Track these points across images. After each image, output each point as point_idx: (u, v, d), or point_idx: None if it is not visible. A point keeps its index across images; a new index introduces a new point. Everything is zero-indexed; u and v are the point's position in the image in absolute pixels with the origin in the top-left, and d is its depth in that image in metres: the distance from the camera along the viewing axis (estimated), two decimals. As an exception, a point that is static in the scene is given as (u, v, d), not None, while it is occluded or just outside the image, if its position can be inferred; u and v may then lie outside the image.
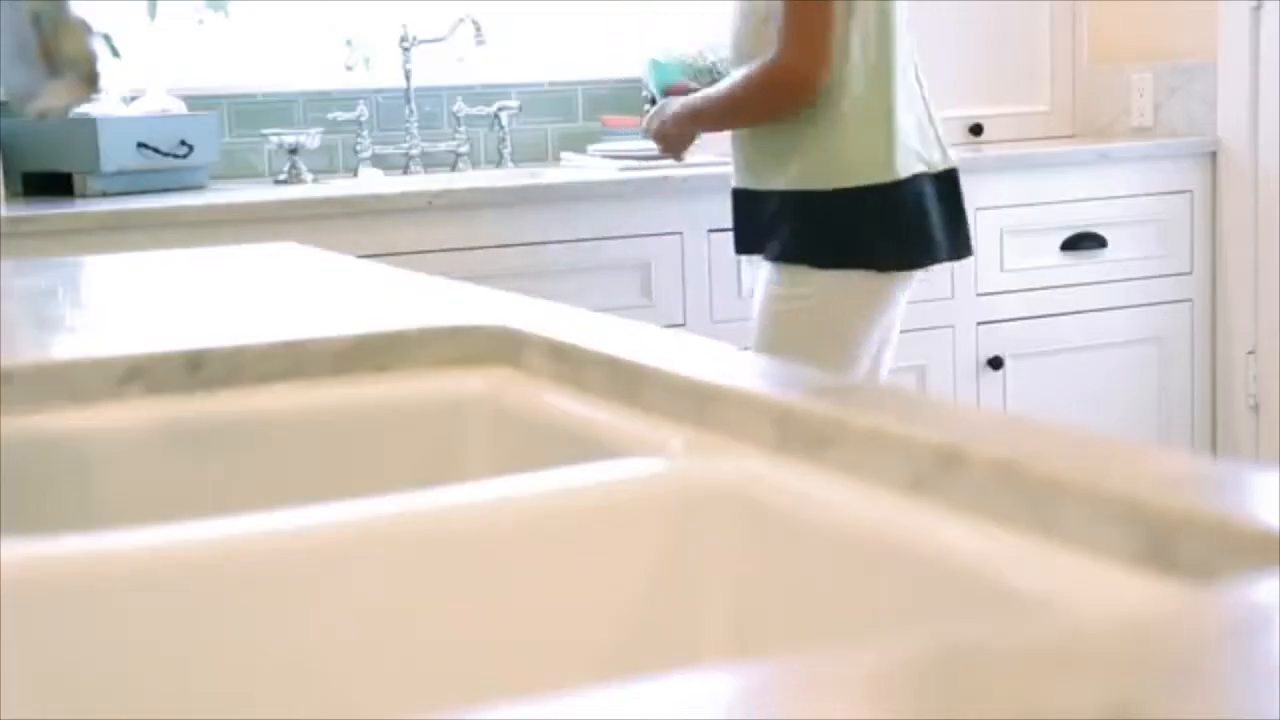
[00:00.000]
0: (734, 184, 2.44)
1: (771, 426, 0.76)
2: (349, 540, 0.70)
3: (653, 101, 2.64)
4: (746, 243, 2.44)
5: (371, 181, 3.17)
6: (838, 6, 2.24)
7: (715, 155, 3.10)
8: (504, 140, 3.40)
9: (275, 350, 0.98)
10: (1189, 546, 0.54)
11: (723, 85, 2.39)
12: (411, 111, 3.33)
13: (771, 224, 2.34)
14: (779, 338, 2.31)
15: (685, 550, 0.75)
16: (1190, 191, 3.40)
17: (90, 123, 2.82)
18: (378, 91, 3.36)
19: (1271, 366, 3.35)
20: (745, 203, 2.42)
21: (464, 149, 3.37)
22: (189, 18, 3.34)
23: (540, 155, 3.48)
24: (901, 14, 2.33)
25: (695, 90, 2.52)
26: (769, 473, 0.74)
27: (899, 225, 2.30)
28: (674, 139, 2.50)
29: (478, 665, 0.72)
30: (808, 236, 2.31)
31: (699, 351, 0.89)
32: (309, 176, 3.15)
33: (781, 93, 2.29)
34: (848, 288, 2.29)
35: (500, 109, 3.39)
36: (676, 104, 2.48)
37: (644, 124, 2.56)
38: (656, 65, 2.65)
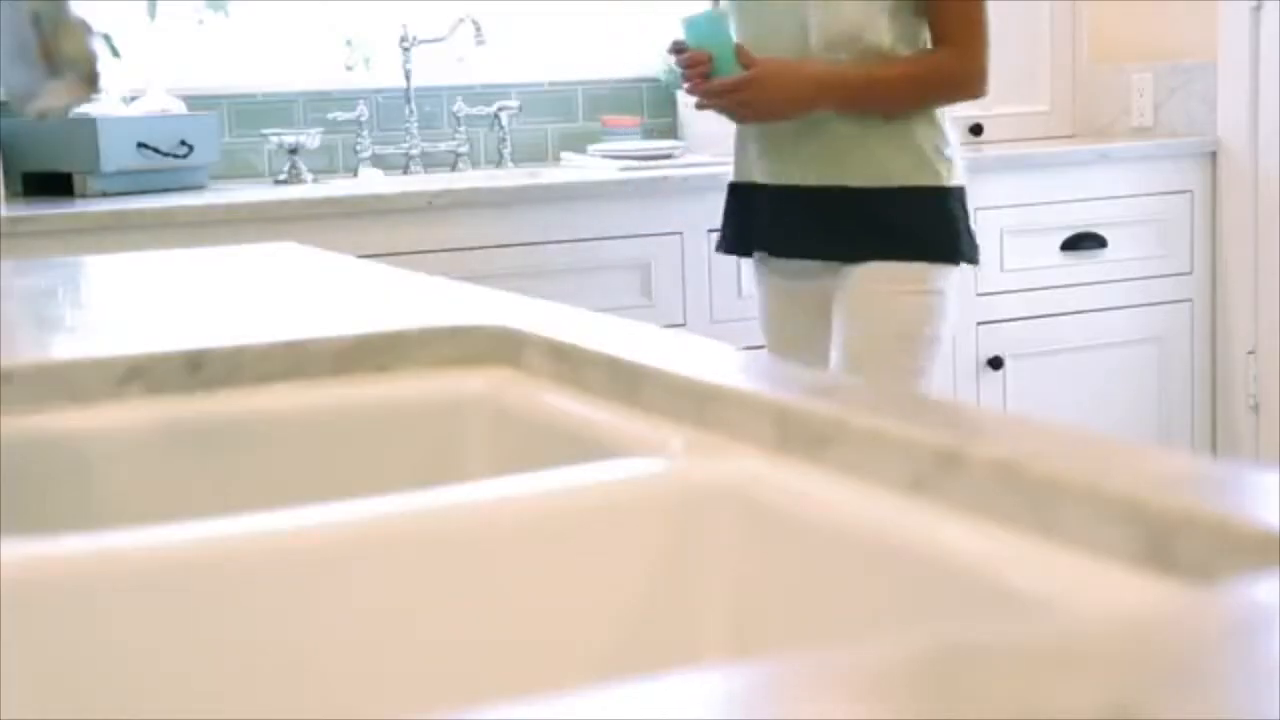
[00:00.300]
0: (809, 181, 2.24)
1: (771, 426, 0.76)
2: (349, 540, 0.70)
3: (694, 65, 2.20)
4: (827, 244, 2.25)
5: (371, 181, 3.17)
6: None
7: (712, 155, 3.10)
8: (504, 140, 3.40)
9: (275, 350, 0.98)
10: (1189, 547, 0.54)
11: (884, 67, 2.20)
12: (411, 111, 3.33)
13: (885, 221, 2.21)
14: (938, 336, 2.24)
15: (685, 550, 0.75)
16: (1190, 191, 3.40)
17: (90, 123, 2.82)
18: (378, 91, 3.36)
19: (1271, 366, 3.35)
20: (828, 202, 2.23)
21: (464, 149, 3.37)
22: (189, 18, 3.34)
23: (540, 155, 3.48)
24: None
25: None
26: (769, 473, 0.74)
27: (969, 222, 2.32)
28: (780, 104, 2.20)
29: (478, 665, 0.72)
30: (946, 232, 2.23)
31: (699, 351, 0.89)
32: (309, 176, 3.16)
33: (965, 89, 2.25)
34: (960, 284, 2.28)
35: (500, 109, 3.39)
36: (810, 69, 2.19)
37: (728, 83, 2.18)
38: (726, 18, 2.26)
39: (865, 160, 2.22)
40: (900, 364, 2.21)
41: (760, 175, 2.30)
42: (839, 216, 2.23)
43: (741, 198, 2.36)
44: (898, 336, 2.22)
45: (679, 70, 2.27)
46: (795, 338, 2.33)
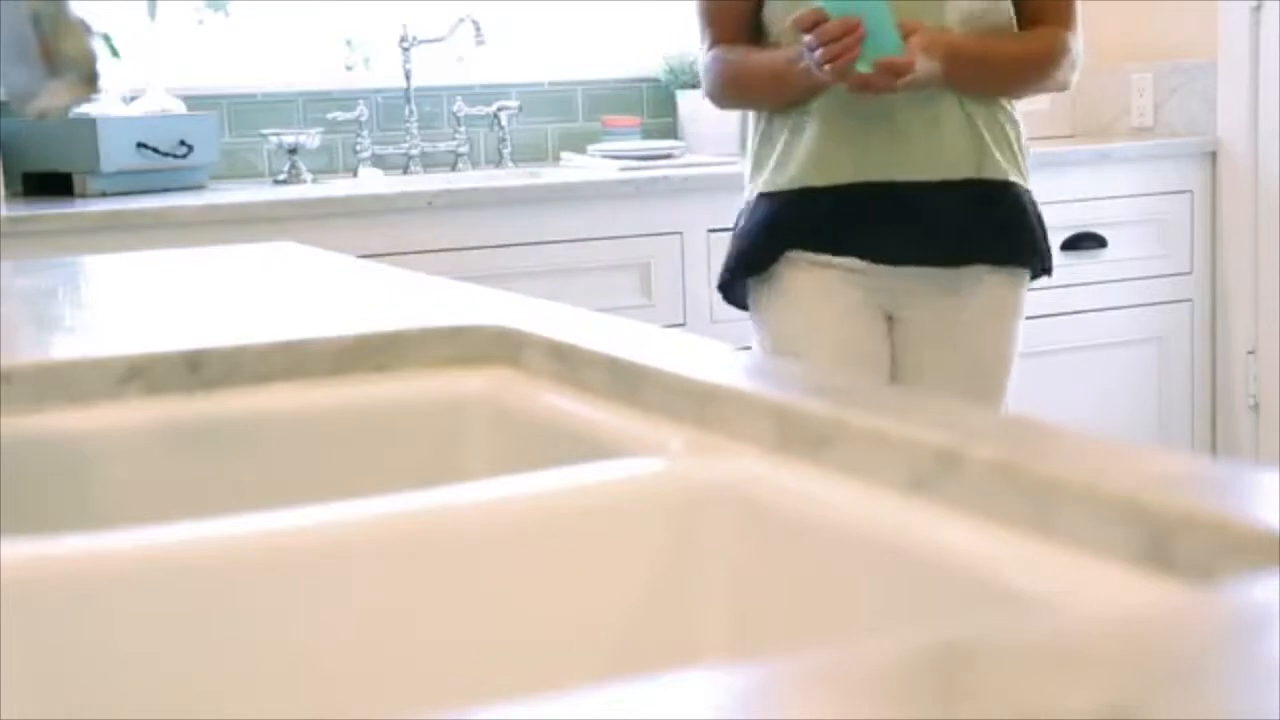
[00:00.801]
0: (945, 174, 2.02)
1: (771, 426, 0.76)
2: (349, 540, 0.70)
3: (847, 33, 1.87)
4: (967, 248, 2.05)
5: (371, 181, 3.17)
6: None
7: (712, 155, 3.10)
8: (504, 140, 3.40)
9: (274, 350, 0.98)
10: (1188, 546, 0.54)
11: (999, 42, 2.03)
12: (411, 111, 3.33)
13: (1012, 222, 2.06)
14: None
15: (685, 550, 0.75)
16: (1190, 191, 3.40)
17: (90, 123, 2.82)
18: (378, 91, 3.36)
19: (1271, 366, 3.35)
20: (965, 198, 2.03)
21: (464, 149, 3.37)
22: (189, 18, 3.34)
23: (540, 155, 3.48)
24: None
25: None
26: (768, 473, 0.74)
27: None
28: (935, 77, 1.95)
29: (478, 665, 0.72)
30: (1044, 236, 2.12)
31: (699, 351, 0.89)
32: (309, 176, 3.16)
33: (1063, 74, 2.09)
34: None
35: (500, 109, 3.39)
36: (945, 37, 1.97)
37: (909, 61, 1.90)
38: None
39: (995, 149, 2.05)
40: (1002, 388, 2.11)
41: (856, 172, 2.03)
42: (977, 214, 2.05)
43: (809, 202, 2.06)
44: (1008, 358, 2.11)
45: (810, 44, 1.91)
46: (863, 355, 2.08)
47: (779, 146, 2.08)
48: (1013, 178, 2.07)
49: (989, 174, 2.05)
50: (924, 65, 1.92)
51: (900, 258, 2.05)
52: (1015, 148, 2.09)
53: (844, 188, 2.04)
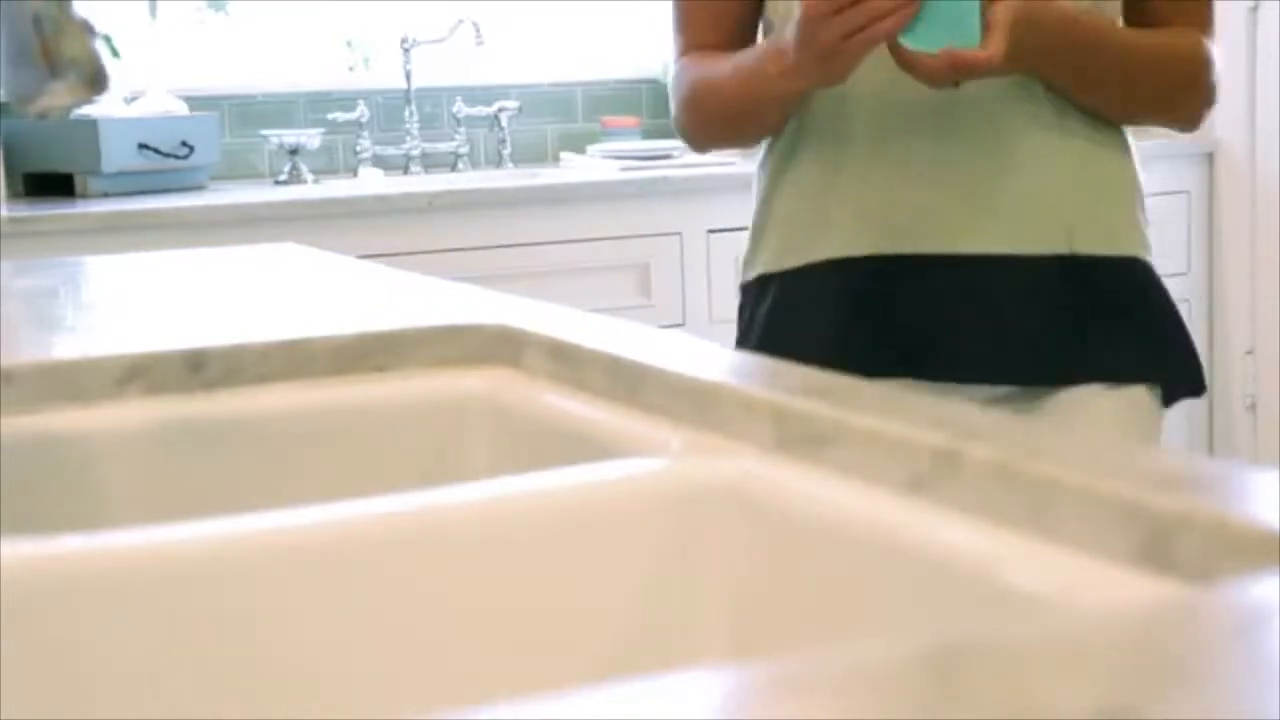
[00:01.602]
0: (1027, 247, 1.37)
1: (770, 426, 0.76)
2: (349, 540, 0.70)
3: None
4: (1065, 358, 1.31)
5: (371, 182, 3.17)
6: None
7: (712, 155, 3.10)
8: (504, 141, 3.40)
9: (275, 350, 0.98)
10: (1187, 546, 0.55)
11: (1125, 32, 1.40)
12: (411, 112, 3.33)
13: (1142, 318, 1.41)
14: None
15: (685, 550, 0.75)
16: (1187, 192, 3.40)
17: (91, 123, 2.82)
18: (378, 92, 3.36)
19: (1269, 367, 3.35)
20: (1065, 282, 1.37)
21: (464, 149, 3.37)
22: (189, 18, 3.34)
23: (540, 155, 3.48)
24: None
25: None
26: (768, 472, 0.74)
27: None
28: (996, 66, 1.26)
29: (478, 665, 0.72)
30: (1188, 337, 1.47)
31: (698, 351, 0.89)
32: (309, 177, 3.16)
33: (1213, 100, 1.44)
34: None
35: (500, 109, 3.39)
36: (1052, 11, 1.31)
37: (990, 36, 1.22)
38: None
39: (1106, 202, 1.41)
40: None
41: (891, 243, 1.40)
42: (1067, 308, 1.36)
43: (827, 290, 1.46)
44: None
45: (818, 10, 1.24)
46: None
47: (798, 202, 1.49)
48: (1140, 252, 1.43)
49: (1086, 246, 1.39)
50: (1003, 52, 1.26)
51: (964, 372, 1.34)
52: (1136, 199, 1.45)
53: (871, 262, 1.42)
